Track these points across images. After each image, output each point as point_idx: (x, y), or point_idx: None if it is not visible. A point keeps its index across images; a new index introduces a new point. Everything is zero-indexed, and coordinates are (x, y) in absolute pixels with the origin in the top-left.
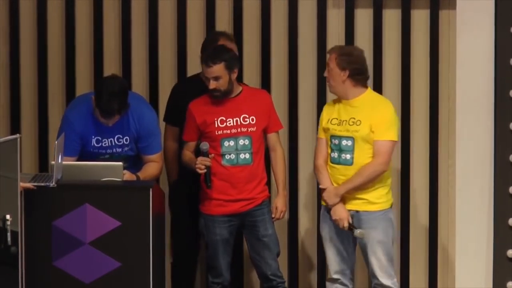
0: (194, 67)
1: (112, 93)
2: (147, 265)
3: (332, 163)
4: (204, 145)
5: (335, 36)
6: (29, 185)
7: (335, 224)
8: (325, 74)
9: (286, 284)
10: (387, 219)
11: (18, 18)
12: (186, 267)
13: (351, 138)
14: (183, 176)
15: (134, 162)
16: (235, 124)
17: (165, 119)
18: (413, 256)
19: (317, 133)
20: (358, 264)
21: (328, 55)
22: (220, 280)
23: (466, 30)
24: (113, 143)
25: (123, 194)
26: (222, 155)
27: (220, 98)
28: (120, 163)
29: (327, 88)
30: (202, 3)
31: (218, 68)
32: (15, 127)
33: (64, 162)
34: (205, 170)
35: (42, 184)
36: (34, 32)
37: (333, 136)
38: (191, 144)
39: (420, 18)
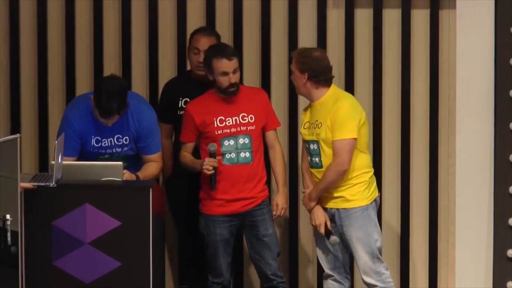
0: None
1: (111, 93)
2: (147, 265)
3: (311, 167)
4: (212, 146)
5: (335, 36)
6: (29, 185)
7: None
8: (292, 78)
9: (286, 284)
10: (365, 216)
11: (18, 18)
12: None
13: (316, 142)
14: (177, 173)
15: (133, 162)
16: (234, 123)
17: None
18: (413, 256)
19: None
20: (355, 263)
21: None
22: (220, 280)
23: (466, 30)
24: (113, 143)
25: (123, 194)
26: (223, 155)
27: (235, 94)
28: (120, 162)
29: None
30: (202, 3)
31: (236, 61)
32: (15, 127)
33: (64, 162)
34: (213, 171)
35: (42, 184)
36: (34, 32)
37: (305, 141)
38: (189, 145)
39: (420, 18)
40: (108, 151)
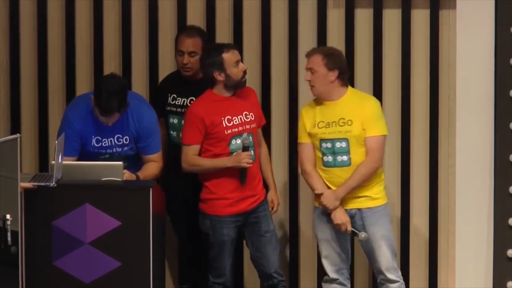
0: None
1: (111, 91)
2: (147, 265)
3: (326, 166)
4: (246, 139)
5: (335, 36)
6: (29, 185)
7: (335, 227)
8: (308, 78)
9: (286, 284)
10: (387, 214)
11: (18, 18)
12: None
13: (345, 140)
14: (170, 171)
15: (134, 162)
16: (240, 121)
17: None
18: (413, 256)
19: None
20: (358, 263)
21: (308, 58)
22: (222, 281)
23: (466, 30)
24: (113, 143)
25: (123, 194)
26: (231, 154)
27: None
28: (120, 162)
29: None
30: (202, 3)
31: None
32: (15, 127)
33: (64, 162)
34: (251, 165)
35: (42, 184)
36: (34, 32)
37: (323, 140)
38: (196, 148)
39: (420, 18)
40: (109, 151)
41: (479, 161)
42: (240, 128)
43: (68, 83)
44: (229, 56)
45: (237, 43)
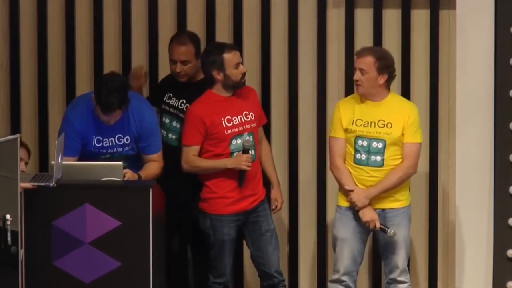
0: None
1: (112, 88)
2: (147, 265)
3: (358, 164)
4: (247, 142)
5: (335, 36)
6: (29, 185)
7: (358, 226)
8: (357, 77)
9: (286, 283)
10: (409, 215)
11: (18, 18)
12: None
13: (383, 141)
14: (167, 171)
15: (134, 162)
16: (240, 121)
17: None
18: (413, 256)
19: (330, 131)
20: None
21: (359, 57)
22: (223, 280)
23: (466, 30)
24: (114, 143)
25: (123, 194)
26: (231, 154)
27: (244, 84)
28: (120, 162)
29: (327, 88)
30: (202, 3)
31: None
32: (15, 127)
33: (64, 162)
34: (250, 168)
35: (42, 184)
36: (34, 32)
37: (360, 137)
38: (196, 149)
39: (420, 18)
40: (109, 151)
41: (479, 161)
42: (240, 128)
43: (68, 83)
44: (230, 57)
45: (237, 43)
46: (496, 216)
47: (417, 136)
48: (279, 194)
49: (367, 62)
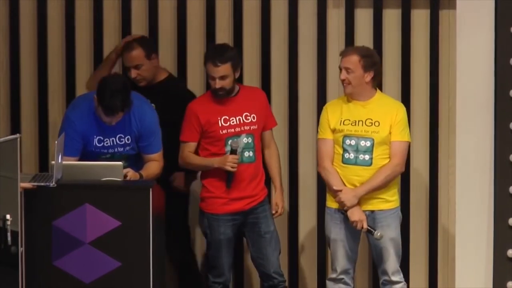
0: (194, 66)
1: (115, 90)
2: (147, 265)
3: (346, 163)
4: (235, 143)
5: (335, 36)
6: (29, 185)
7: (349, 225)
8: (343, 77)
9: (286, 284)
10: (398, 217)
11: (18, 18)
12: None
13: (370, 139)
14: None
15: (134, 162)
16: (238, 122)
17: None
18: (413, 256)
19: (317, 134)
20: (358, 263)
21: (344, 57)
22: (222, 280)
23: (466, 30)
24: (115, 143)
25: (123, 194)
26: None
27: (224, 97)
28: (120, 162)
29: (327, 88)
30: (202, 3)
31: (226, 68)
32: (15, 127)
33: (64, 162)
34: (236, 169)
35: (42, 184)
36: (34, 32)
37: (348, 137)
38: (192, 145)
39: (420, 18)
40: (110, 150)
41: (479, 161)
42: (238, 129)
43: (68, 83)
44: (207, 68)
45: (237, 43)
46: (496, 216)
47: (404, 134)
48: (281, 199)
49: (352, 61)
